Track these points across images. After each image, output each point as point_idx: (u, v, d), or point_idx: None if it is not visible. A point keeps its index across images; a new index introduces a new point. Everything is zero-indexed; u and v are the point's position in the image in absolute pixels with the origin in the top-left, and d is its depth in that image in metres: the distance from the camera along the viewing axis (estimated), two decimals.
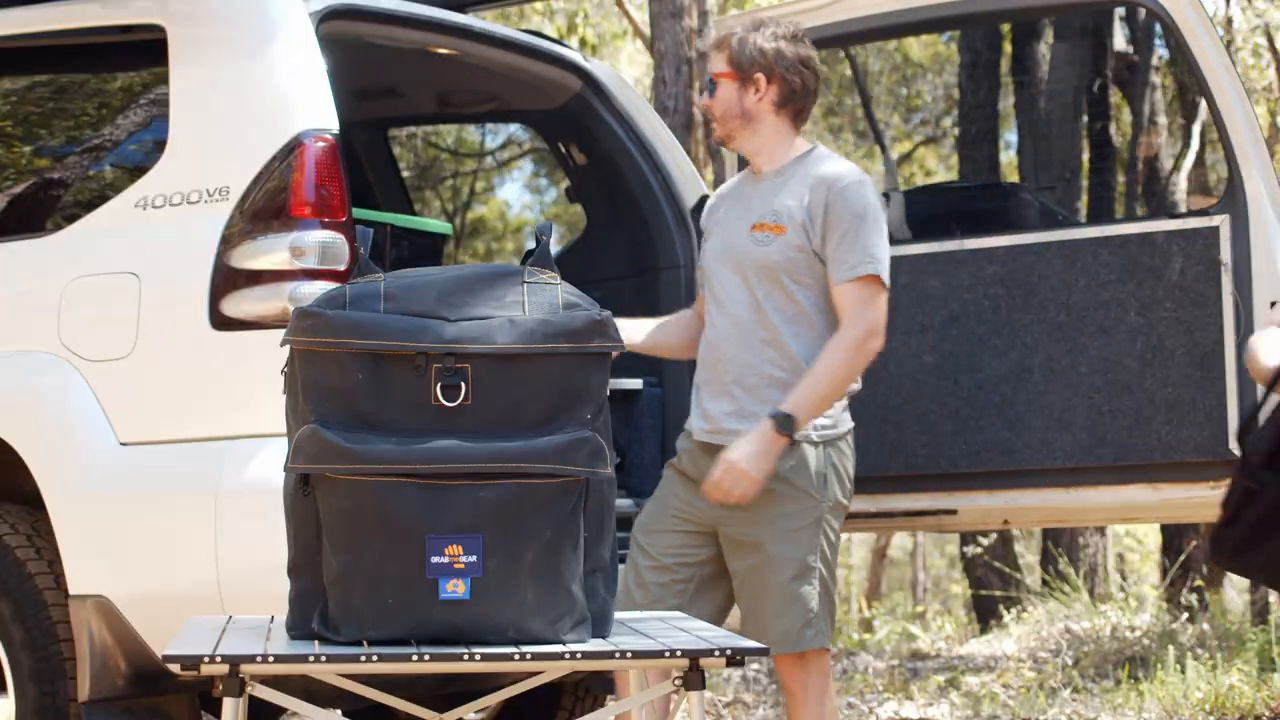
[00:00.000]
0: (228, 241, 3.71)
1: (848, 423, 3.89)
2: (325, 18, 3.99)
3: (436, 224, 5.38)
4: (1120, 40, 10.70)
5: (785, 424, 3.68)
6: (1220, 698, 6.37)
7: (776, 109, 3.85)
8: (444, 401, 2.57)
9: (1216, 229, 4.33)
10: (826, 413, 3.78)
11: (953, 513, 4.64)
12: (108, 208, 3.98)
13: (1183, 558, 10.68)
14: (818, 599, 3.75)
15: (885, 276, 3.74)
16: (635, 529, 3.92)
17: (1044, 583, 10.64)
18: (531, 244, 2.99)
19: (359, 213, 4.22)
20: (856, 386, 3.85)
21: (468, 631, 2.56)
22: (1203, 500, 4.37)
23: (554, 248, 2.82)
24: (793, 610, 3.72)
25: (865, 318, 3.71)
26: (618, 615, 2.90)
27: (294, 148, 3.71)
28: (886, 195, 4.70)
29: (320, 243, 3.65)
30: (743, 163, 4.04)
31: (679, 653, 2.53)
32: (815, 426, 3.77)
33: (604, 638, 2.68)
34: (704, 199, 4.98)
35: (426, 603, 2.53)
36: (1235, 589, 12.84)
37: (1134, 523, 7.11)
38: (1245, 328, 4.29)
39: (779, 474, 3.75)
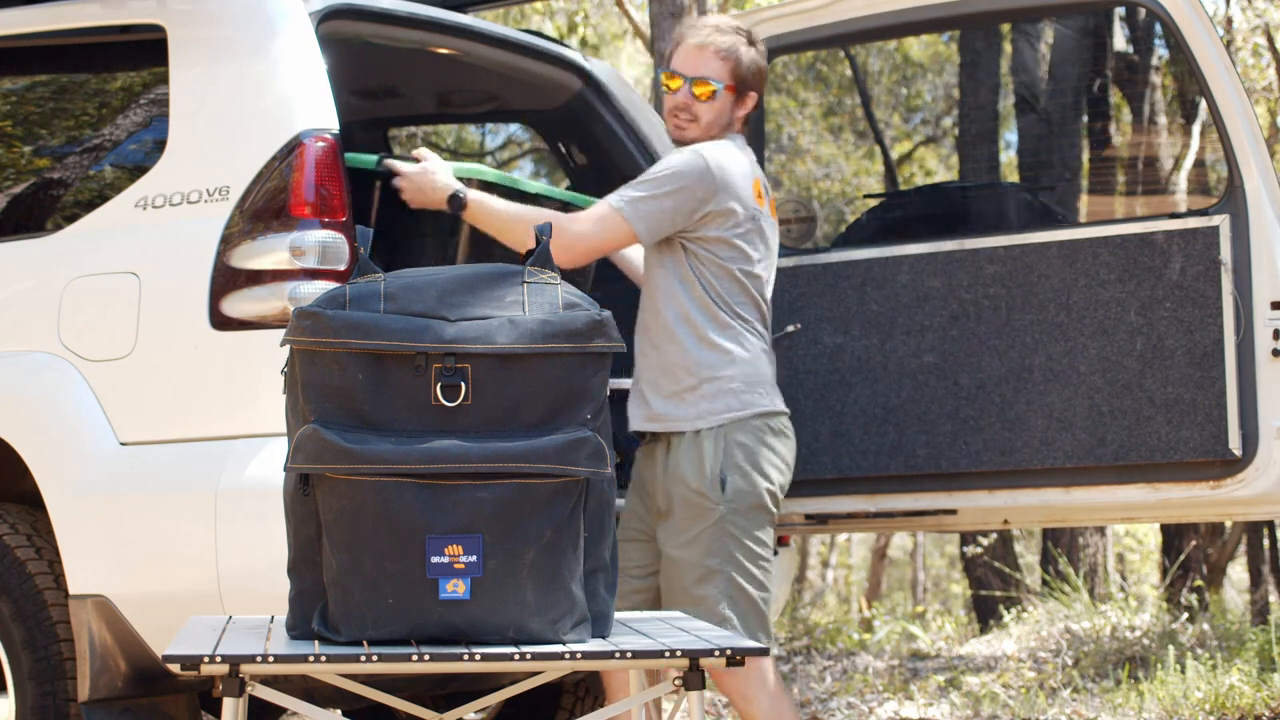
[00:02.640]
0: (228, 241, 3.71)
1: (759, 405, 3.81)
2: (325, 18, 3.99)
3: None
4: (1120, 40, 10.69)
5: (455, 201, 3.81)
6: (1220, 698, 6.37)
7: (743, 123, 3.94)
8: (444, 401, 2.57)
9: (1216, 229, 4.33)
10: (724, 397, 3.76)
11: (953, 513, 4.64)
12: (108, 208, 3.98)
13: (1182, 558, 10.67)
14: (727, 603, 3.72)
15: (625, 213, 3.73)
16: None
17: (1044, 583, 10.63)
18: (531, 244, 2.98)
19: None
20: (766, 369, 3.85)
21: (468, 631, 2.56)
22: (1203, 500, 4.36)
23: None
24: (696, 615, 3.65)
25: (581, 223, 3.75)
26: (618, 615, 2.91)
27: (294, 148, 3.70)
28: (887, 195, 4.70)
29: (320, 242, 3.64)
30: None
31: (679, 653, 2.53)
32: (707, 412, 3.75)
33: (604, 638, 2.68)
34: None
35: (426, 603, 2.53)
36: (1235, 589, 12.83)
37: (1134, 523, 7.12)
38: (1245, 328, 4.29)
39: (680, 477, 3.76)
